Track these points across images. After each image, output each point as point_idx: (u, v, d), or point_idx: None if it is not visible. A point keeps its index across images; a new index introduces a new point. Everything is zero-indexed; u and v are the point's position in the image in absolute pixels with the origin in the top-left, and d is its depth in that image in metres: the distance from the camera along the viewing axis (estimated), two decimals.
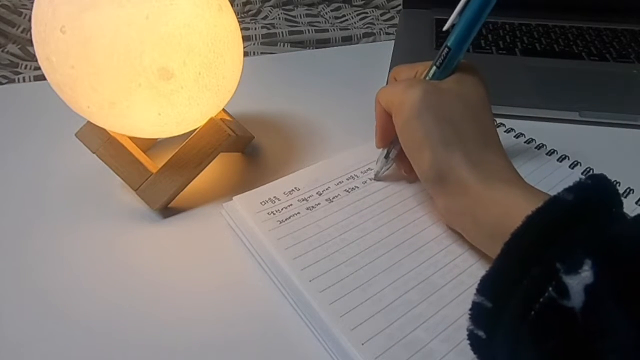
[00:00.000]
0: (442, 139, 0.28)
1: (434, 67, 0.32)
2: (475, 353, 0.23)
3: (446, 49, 0.31)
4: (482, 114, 0.31)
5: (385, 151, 0.35)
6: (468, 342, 0.23)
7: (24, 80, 0.55)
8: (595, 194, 0.22)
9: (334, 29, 0.67)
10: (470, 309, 0.22)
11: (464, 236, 0.30)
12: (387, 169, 0.36)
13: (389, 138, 0.35)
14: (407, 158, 0.31)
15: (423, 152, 0.29)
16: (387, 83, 0.39)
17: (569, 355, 0.19)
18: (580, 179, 0.23)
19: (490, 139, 0.30)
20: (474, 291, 0.22)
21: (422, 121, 0.29)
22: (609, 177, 0.24)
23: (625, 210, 0.23)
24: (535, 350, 0.19)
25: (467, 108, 0.30)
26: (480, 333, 0.22)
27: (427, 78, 0.32)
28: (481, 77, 0.32)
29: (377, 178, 0.36)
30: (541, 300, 0.19)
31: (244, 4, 0.76)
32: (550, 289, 0.19)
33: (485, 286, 0.22)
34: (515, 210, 0.24)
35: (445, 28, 0.32)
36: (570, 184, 0.22)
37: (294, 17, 0.74)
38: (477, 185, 0.27)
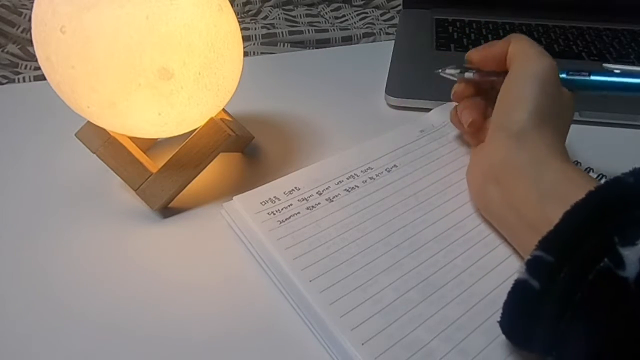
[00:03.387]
0: (541, 108, 0.30)
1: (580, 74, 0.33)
2: (519, 304, 0.23)
3: (587, 74, 0.32)
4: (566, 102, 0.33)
5: (463, 67, 0.36)
6: (512, 294, 0.23)
7: (24, 80, 0.55)
8: None
9: (334, 29, 0.67)
10: (528, 261, 0.22)
11: (490, 205, 0.31)
12: (453, 76, 0.37)
13: (490, 64, 0.35)
14: (474, 110, 0.34)
15: (518, 106, 0.30)
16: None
17: (619, 327, 0.19)
18: (593, 171, 0.24)
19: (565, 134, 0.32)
20: (534, 247, 0.22)
21: (539, 77, 0.30)
22: (609, 177, 0.24)
23: None
24: (585, 318, 0.20)
25: (565, 112, 0.32)
26: (535, 283, 0.22)
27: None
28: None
29: (442, 71, 0.38)
30: (597, 267, 0.20)
31: (244, 4, 0.76)
32: (606, 259, 0.20)
33: (547, 242, 0.22)
34: (579, 182, 0.25)
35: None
36: None
37: (294, 17, 0.74)
38: (551, 149, 0.28)
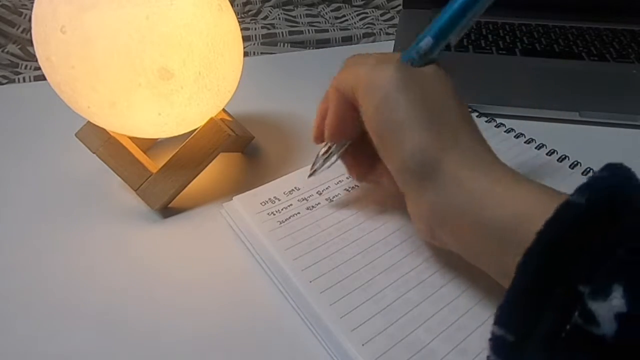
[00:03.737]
0: (426, 119, 0.24)
1: (407, 53, 0.27)
2: None
3: (427, 38, 0.26)
4: (465, 105, 0.26)
5: (325, 149, 0.30)
6: None
7: (24, 80, 0.55)
8: (611, 189, 0.19)
9: (334, 29, 0.67)
10: (490, 340, 0.19)
11: (450, 247, 0.25)
12: (328, 167, 0.31)
13: (343, 134, 0.29)
14: (358, 156, 0.27)
15: (404, 135, 0.24)
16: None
17: None
18: (594, 172, 0.19)
19: (479, 133, 0.26)
20: (492, 321, 0.19)
21: (400, 99, 0.24)
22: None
23: None
24: None
25: (451, 91, 0.26)
26: None
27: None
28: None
29: (313, 175, 0.32)
30: (568, 328, 0.17)
31: (244, 4, 0.76)
32: (576, 313, 0.17)
33: (504, 316, 0.19)
34: (526, 216, 0.20)
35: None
36: (573, 183, 0.19)
37: (294, 17, 0.74)
38: (478, 178, 0.22)
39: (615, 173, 0.20)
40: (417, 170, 0.24)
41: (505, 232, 0.21)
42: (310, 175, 0.32)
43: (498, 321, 0.19)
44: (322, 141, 0.31)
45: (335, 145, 0.30)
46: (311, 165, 0.32)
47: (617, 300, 0.16)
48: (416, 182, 0.24)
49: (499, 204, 0.22)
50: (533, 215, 0.20)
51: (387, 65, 0.25)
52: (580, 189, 0.19)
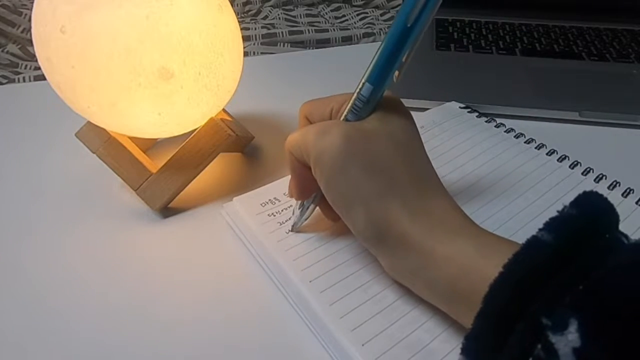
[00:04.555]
0: (374, 191, 0.25)
1: (353, 106, 0.27)
2: None
3: (366, 85, 0.26)
4: (415, 154, 0.27)
5: (300, 201, 0.31)
6: None
7: (24, 80, 0.55)
8: (580, 226, 0.20)
9: (334, 29, 0.67)
10: None
11: (422, 291, 0.26)
12: (306, 219, 0.31)
13: (309, 191, 0.30)
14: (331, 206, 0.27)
15: (355, 209, 0.25)
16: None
17: None
18: (564, 207, 0.20)
19: (430, 182, 0.26)
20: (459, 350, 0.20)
21: (347, 175, 0.25)
22: (609, 177, 0.22)
23: (625, 210, 0.23)
24: None
25: (398, 149, 0.26)
26: None
27: (345, 118, 0.27)
28: (406, 109, 0.28)
29: (295, 230, 0.31)
30: None
31: (244, 4, 0.76)
32: (539, 346, 0.17)
33: (469, 345, 0.20)
34: (472, 267, 0.21)
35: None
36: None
37: (294, 17, 0.74)
38: (422, 239, 0.23)
39: (584, 212, 0.20)
40: (372, 238, 0.25)
41: (452, 290, 0.22)
42: (292, 230, 0.31)
43: (464, 350, 0.20)
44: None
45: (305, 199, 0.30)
46: (290, 220, 0.32)
47: (572, 335, 0.17)
48: (374, 246, 0.26)
49: (444, 262, 0.23)
50: (477, 272, 0.21)
51: (332, 136, 0.25)
52: (549, 226, 0.20)
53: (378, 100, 0.26)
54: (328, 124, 0.27)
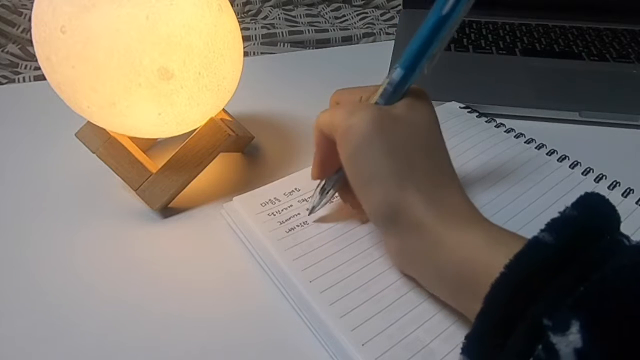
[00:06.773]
0: (393, 173, 0.25)
1: (383, 90, 0.28)
2: None
3: (397, 69, 0.27)
4: (436, 145, 0.28)
5: (322, 183, 0.31)
6: None
7: (24, 80, 0.55)
8: (582, 227, 0.20)
9: (334, 29, 0.67)
10: None
11: (420, 282, 0.27)
12: (325, 203, 0.32)
13: (331, 169, 0.30)
14: (351, 191, 0.28)
15: (372, 187, 0.26)
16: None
17: None
18: (566, 208, 0.20)
19: (446, 173, 0.27)
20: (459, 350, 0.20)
21: (370, 152, 0.25)
22: (609, 177, 0.22)
23: (625, 210, 0.23)
24: None
25: (421, 138, 0.27)
26: None
27: (375, 102, 0.28)
28: (430, 102, 0.29)
29: (313, 212, 0.32)
30: None
31: (244, 4, 0.76)
32: (540, 347, 0.18)
33: (470, 346, 0.20)
34: (478, 256, 0.22)
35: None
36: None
37: (294, 17, 0.74)
38: (434, 225, 0.24)
39: (585, 213, 0.20)
40: (385, 217, 0.26)
41: (458, 276, 0.23)
42: (310, 212, 0.32)
43: (464, 350, 0.20)
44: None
45: (327, 180, 0.31)
46: (309, 203, 0.32)
47: (573, 336, 0.17)
48: (385, 226, 0.26)
49: (453, 248, 0.23)
50: (483, 260, 0.21)
51: (363, 113, 0.26)
52: (550, 227, 0.20)
53: (407, 88, 0.28)
54: (359, 105, 0.28)
